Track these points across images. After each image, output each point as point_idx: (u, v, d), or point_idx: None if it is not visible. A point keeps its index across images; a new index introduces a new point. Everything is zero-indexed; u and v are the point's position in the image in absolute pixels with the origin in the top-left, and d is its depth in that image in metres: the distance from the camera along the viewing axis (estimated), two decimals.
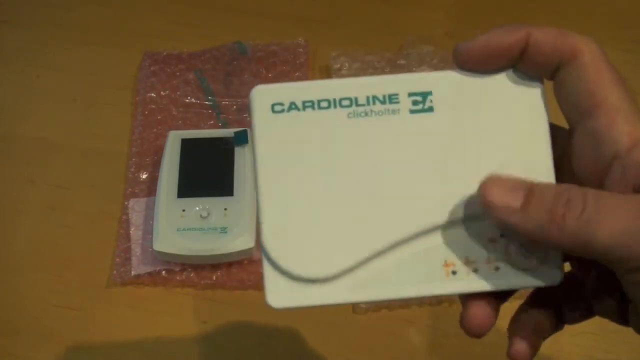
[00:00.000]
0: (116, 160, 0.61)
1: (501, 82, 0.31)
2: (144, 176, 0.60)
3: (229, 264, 0.55)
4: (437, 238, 0.30)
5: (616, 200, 0.27)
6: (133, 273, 0.54)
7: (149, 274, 0.55)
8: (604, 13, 0.70)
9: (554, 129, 0.31)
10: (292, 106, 0.30)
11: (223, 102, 0.64)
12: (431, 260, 0.30)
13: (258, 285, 0.54)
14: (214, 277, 0.55)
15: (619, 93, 0.32)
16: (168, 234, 0.54)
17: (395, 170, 0.30)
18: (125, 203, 0.58)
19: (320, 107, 0.30)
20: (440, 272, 0.30)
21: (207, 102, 0.64)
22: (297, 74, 0.65)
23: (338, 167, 0.30)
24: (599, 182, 0.29)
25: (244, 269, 0.55)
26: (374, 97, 0.30)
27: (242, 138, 0.58)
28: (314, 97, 0.30)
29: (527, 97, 0.31)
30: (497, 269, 0.30)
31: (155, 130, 0.62)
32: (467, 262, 0.30)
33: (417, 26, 0.69)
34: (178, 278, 0.55)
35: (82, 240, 0.57)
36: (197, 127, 0.62)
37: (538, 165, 0.30)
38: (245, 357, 0.52)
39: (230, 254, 0.53)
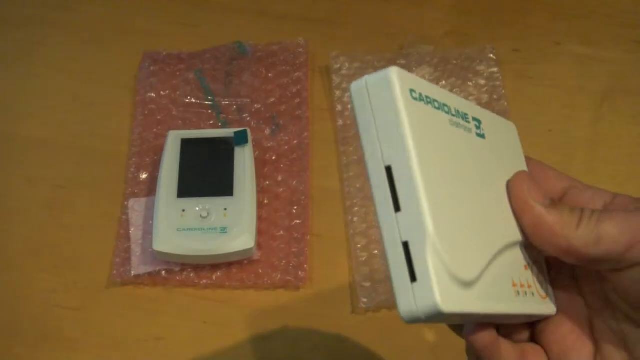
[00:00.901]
0: (116, 160, 0.61)
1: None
2: (144, 176, 0.60)
3: (229, 264, 0.55)
4: (509, 257, 0.32)
5: (618, 211, 0.31)
6: (133, 273, 0.54)
7: (149, 274, 0.55)
8: (604, 13, 0.70)
9: None
10: (422, 97, 0.29)
11: (223, 102, 0.64)
12: (506, 278, 0.32)
13: (258, 285, 0.54)
14: (214, 277, 0.55)
15: None
16: (168, 234, 0.54)
17: (489, 181, 0.32)
18: (125, 203, 0.58)
19: (434, 107, 0.30)
20: (510, 291, 0.32)
21: (207, 102, 0.64)
22: (297, 74, 0.65)
23: (464, 172, 0.31)
24: None
25: (243, 269, 0.55)
26: (457, 111, 0.31)
27: (242, 138, 0.58)
28: (432, 95, 0.30)
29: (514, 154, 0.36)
30: (532, 294, 0.33)
31: (155, 130, 0.62)
32: (518, 284, 0.32)
33: (417, 26, 0.69)
34: (178, 278, 0.55)
35: (82, 240, 0.57)
36: (197, 127, 0.62)
37: None
38: (245, 357, 0.52)
39: (230, 254, 0.53)
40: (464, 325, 0.32)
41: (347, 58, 0.66)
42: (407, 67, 0.65)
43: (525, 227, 0.32)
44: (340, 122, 0.62)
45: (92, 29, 0.70)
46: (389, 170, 0.27)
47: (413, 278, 0.26)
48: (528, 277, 0.33)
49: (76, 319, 0.53)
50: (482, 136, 0.33)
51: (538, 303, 0.33)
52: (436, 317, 0.26)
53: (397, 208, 0.27)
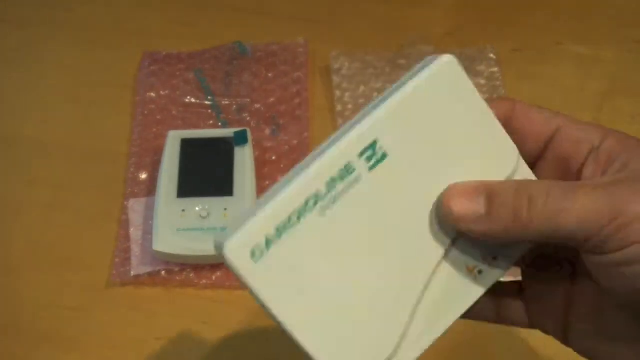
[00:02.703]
0: (116, 160, 0.61)
1: (431, 93, 0.29)
2: (144, 176, 0.60)
3: None
4: (446, 263, 0.31)
5: (576, 185, 0.28)
6: (133, 273, 0.54)
7: (149, 274, 0.55)
8: (604, 13, 0.70)
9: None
10: (269, 243, 0.27)
11: (223, 102, 0.64)
12: (453, 288, 0.31)
13: None
14: (214, 277, 0.55)
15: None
16: (168, 234, 0.54)
17: (388, 232, 0.29)
18: (125, 203, 0.58)
19: (292, 225, 0.27)
20: (469, 275, 0.31)
21: (207, 102, 0.64)
22: (297, 74, 0.65)
23: (341, 264, 0.28)
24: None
25: None
26: (332, 180, 0.28)
27: (242, 138, 0.58)
28: (281, 220, 0.27)
29: (462, 96, 0.30)
30: (480, 272, 0.31)
31: (154, 130, 0.62)
32: (472, 269, 0.31)
33: (417, 26, 0.69)
34: (178, 278, 0.55)
35: (81, 240, 0.57)
36: (197, 127, 0.62)
37: (503, 154, 0.31)
38: (245, 357, 0.52)
39: None
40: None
41: (347, 58, 0.66)
42: (407, 67, 0.65)
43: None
44: (340, 122, 0.62)
45: (92, 29, 0.70)
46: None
47: None
48: (474, 261, 0.31)
49: (76, 319, 0.53)
50: (381, 159, 0.28)
51: (489, 276, 0.32)
52: None
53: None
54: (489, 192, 0.29)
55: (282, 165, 0.60)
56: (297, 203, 0.27)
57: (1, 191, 0.60)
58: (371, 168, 0.28)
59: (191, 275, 0.55)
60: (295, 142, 0.61)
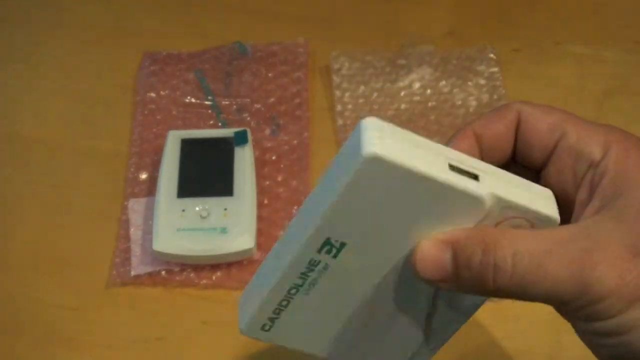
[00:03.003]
0: (116, 160, 0.61)
1: (361, 189, 0.27)
2: (144, 176, 0.60)
3: (229, 264, 0.55)
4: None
5: (546, 252, 0.27)
6: (133, 273, 0.54)
7: (149, 274, 0.55)
8: (604, 13, 0.70)
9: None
10: (273, 319, 0.33)
11: (223, 102, 0.64)
12: None
13: None
14: (214, 277, 0.55)
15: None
16: (168, 234, 0.54)
17: (374, 291, 0.31)
18: (125, 203, 0.58)
19: (285, 306, 0.32)
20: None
21: (207, 102, 0.64)
22: (297, 74, 0.65)
23: (332, 318, 0.33)
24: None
25: (244, 269, 0.55)
26: (303, 273, 0.30)
27: (242, 138, 0.58)
28: (274, 307, 0.32)
29: (396, 176, 0.27)
30: None
31: (155, 130, 0.62)
32: None
33: (417, 26, 0.69)
34: (178, 278, 0.55)
35: (81, 240, 0.57)
36: (197, 127, 0.62)
37: (465, 206, 0.28)
38: (245, 357, 0.52)
39: (230, 254, 0.53)
40: None
41: (347, 58, 0.66)
42: (407, 67, 0.65)
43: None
44: (340, 122, 0.62)
45: (92, 29, 0.70)
46: None
47: None
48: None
49: (76, 319, 0.53)
50: (340, 249, 0.29)
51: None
52: None
53: None
54: (455, 249, 0.28)
55: (282, 165, 0.60)
56: (282, 294, 0.31)
57: (1, 191, 0.60)
58: (335, 256, 0.29)
59: (191, 275, 0.55)
60: (295, 142, 0.61)
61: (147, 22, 0.70)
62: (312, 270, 0.30)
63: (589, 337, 0.28)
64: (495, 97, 0.63)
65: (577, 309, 0.27)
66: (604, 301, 0.26)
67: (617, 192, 0.28)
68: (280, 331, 0.33)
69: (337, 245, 0.29)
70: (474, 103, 0.63)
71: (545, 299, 0.27)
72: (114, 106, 0.64)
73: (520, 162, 0.33)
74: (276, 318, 0.32)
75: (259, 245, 0.55)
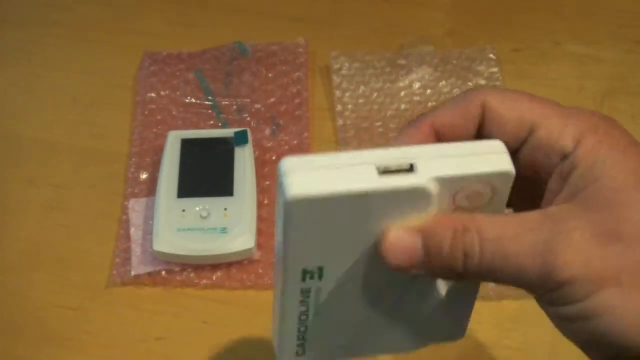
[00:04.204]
0: (116, 160, 0.61)
1: (301, 227, 0.28)
2: (144, 176, 0.60)
3: (229, 264, 0.55)
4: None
5: (511, 237, 0.27)
6: (133, 273, 0.54)
7: (149, 274, 0.55)
8: (604, 13, 0.70)
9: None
10: (300, 353, 0.35)
11: (223, 102, 0.64)
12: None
13: (258, 285, 0.54)
14: (214, 277, 0.55)
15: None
16: (168, 234, 0.54)
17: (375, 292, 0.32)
18: (125, 203, 0.58)
19: (306, 339, 0.34)
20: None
21: (207, 102, 0.64)
22: (297, 74, 0.65)
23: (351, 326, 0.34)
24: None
25: (244, 269, 0.55)
26: (301, 301, 0.31)
27: (242, 138, 0.58)
28: (296, 345, 0.34)
29: (329, 205, 0.28)
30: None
31: (155, 130, 0.62)
32: None
33: (417, 26, 0.69)
34: (178, 278, 0.55)
35: (81, 240, 0.57)
36: (197, 127, 0.62)
37: (414, 200, 0.28)
38: (245, 357, 0.52)
39: (230, 254, 0.53)
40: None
41: (347, 58, 0.66)
42: (407, 67, 0.65)
43: None
44: (340, 122, 0.62)
45: (92, 29, 0.70)
46: None
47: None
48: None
49: (76, 319, 0.53)
50: (320, 271, 0.30)
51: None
52: None
53: None
54: (425, 235, 0.28)
55: None
56: (295, 324, 0.32)
57: (1, 191, 0.60)
58: (320, 278, 0.30)
59: (191, 275, 0.55)
60: (295, 142, 0.61)
61: (147, 22, 0.70)
62: (308, 296, 0.31)
63: (558, 322, 0.28)
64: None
65: (543, 293, 0.27)
66: (569, 286, 0.26)
67: (587, 183, 0.28)
68: (314, 353, 0.34)
69: (316, 270, 0.29)
70: None
71: (513, 282, 0.27)
72: (114, 106, 0.64)
73: None
74: (303, 343, 0.34)
75: (259, 245, 0.55)
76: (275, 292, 0.33)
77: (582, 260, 0.26)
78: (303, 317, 0.32)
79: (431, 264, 0.28)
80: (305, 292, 0.30)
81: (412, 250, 0.28)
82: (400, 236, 0.28)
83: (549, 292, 0.27)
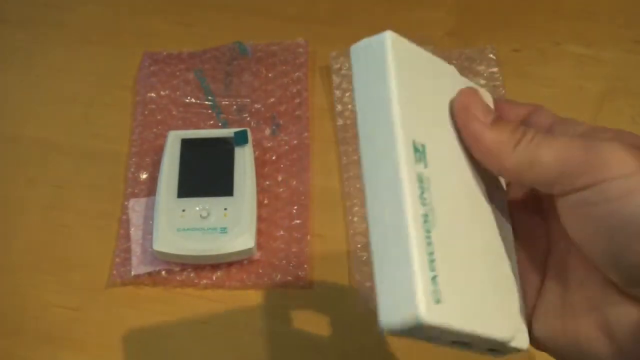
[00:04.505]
0: (116, 160, 0.61)
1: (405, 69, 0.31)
2: (144, 176, 0.60)
3: (229, 264, 0.55)
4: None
5: (559, 136, 0.30)
6: (133, 273, 0.54)
7: (149, 274, 0.55)
8: (603, 13, 0.70)
9: None
10: (436, 281, 0.27)
11: (223, 102, 0.64)
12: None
13: (258, 285, 0.54)
14: (214, 277, 0.55)
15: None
16: (168, 234, 0.54)
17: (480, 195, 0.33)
18: (125, 203, 0.58)
19: (435, 267, 0.27)
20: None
21: (207, 102, 0.64)
22: (297, 74, 0.65)
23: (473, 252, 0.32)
24: None
25: (244, 269, 0.55)
26: (421, 195, 0.29)
27: (242, 138, 0.58)
28: (424, 257, 0.27)
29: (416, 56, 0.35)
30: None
31: (155, 130, 0.62)
32: None
33: (417, 26, 0.69)
34: (178, 278, 0.55)
35: (81, 240, 0.57)
36: (197, 127, 0.62)
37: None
38: (245, 357, 0.52)
39: (230, 254, 0.53)
40: None
41: (347, 58, 0.66)
42: None
43: (468, 144, 0.32)
44: (340, 122, 0.62)
45: (92, 29, 0.70)
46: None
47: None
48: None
49: (76, 319, 0.53)
50: (424, 151, 0.30)
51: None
52: None
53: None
54: (496, 115, 0.32)
55: (282, 165, 0.60)
56: (421, 235, 0.27)
57: (1, 191, 0.60)
58: (426, 166, 0.29)
59: (191, 275, 0.55)
60: (295, 142, 0.61)
61: (147, 22, 0.70)
62: (423, 188, 0.28)
63: (562, 212, 0.30)
64: (495, 97, 0.63)
65: (579, 174, 0.29)
66: (611, 158, 0.28)
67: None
68: (451, 296, 0.26)
69: (421, 148, 0.29)
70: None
71: (551, 162, 0.29)
72: (114, 106, 0.64)
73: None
74: (436, 276, 0.26)
75: (259, 245, 0.55)
76: (381, 213, 0.27)
77: (624, 146, 0.28)
78: (427, 226, 0.27)
79: (496, 128, 0.31)
80: (421, 182, 0.28)
81: (487, 110, 0.32)
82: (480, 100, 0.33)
83: (587, 172, 0.28)
